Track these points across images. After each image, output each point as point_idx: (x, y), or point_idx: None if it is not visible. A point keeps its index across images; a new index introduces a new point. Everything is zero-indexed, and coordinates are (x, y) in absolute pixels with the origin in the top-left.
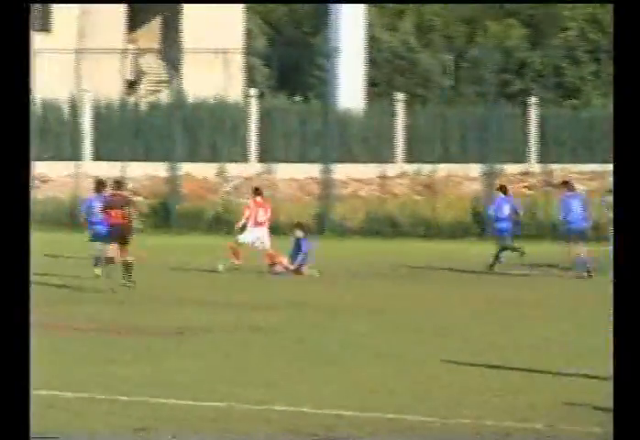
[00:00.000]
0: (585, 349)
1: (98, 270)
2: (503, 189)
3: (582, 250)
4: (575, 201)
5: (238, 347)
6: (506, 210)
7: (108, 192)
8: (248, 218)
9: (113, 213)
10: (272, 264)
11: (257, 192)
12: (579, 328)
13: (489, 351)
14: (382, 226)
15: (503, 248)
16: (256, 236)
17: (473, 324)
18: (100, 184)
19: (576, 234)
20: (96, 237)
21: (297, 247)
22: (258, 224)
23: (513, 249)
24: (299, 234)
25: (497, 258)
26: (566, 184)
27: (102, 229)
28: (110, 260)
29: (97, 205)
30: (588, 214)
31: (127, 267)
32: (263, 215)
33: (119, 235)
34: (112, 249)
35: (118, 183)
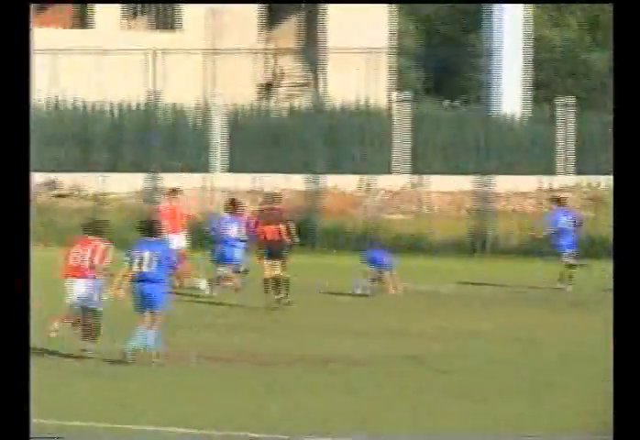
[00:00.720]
0: None
1: (215, 292)
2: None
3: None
4: None
5: (390, 379)
6: None
7: (264, 206)
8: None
9: (268, 229)
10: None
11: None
12: None
13: None
14: (545, 246)
15: None
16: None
17: None
18: (234, 204)
19: None
20: (220, 259)
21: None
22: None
23: None
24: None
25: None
26: None
27: (229, 251)
28: (224, 281)
29: (229, 226)
30: None
31: (285, 284)
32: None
33: (276, 252)
34: (267, 267)
35: (274, 196)
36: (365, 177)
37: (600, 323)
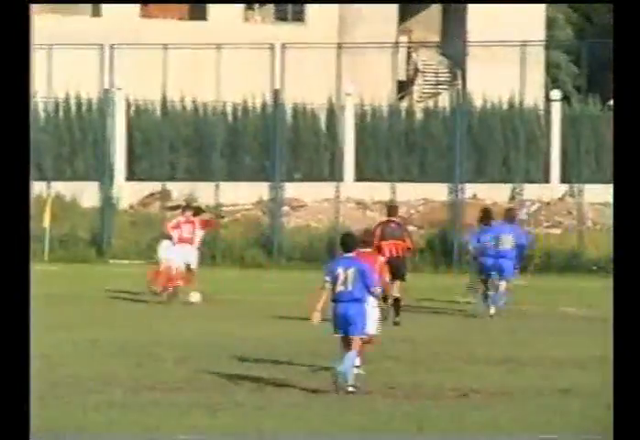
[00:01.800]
0: None
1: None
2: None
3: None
4: None
5: (540, 414)
6: None
7: (382, 219)
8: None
9: (386, 244)
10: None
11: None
12: None
13: None
14: None
15: None
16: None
17: None
18: (487, 213)
19: None
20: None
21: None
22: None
23: None
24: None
25: None
26: None
27: (488, 261)
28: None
29: (485, 238)
30: None
31: (397, 304)
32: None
33: (395, 269)
34: (392, 286)
35: (392, 208)
36: (514, 186)
37: None
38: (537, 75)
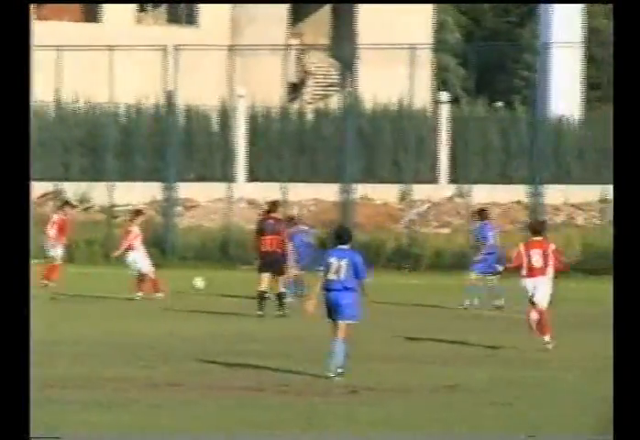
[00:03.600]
0: None
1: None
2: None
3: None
4: None
5: (427, 412)
6: None
7: (262, 215)
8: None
9: (267, 239)
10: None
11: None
12: None
13: None
14: (603, 262)
15: None
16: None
17: None
18: (483, 212)
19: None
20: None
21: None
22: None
23: None
24: None
25: None
26: None
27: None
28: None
29: (489, 234)
30: None
31: (281, 298)
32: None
33: (272, 264)
34: (262, 280)
35: (274, 205)
36: (404, 187)
37: None
38: (426, 77)
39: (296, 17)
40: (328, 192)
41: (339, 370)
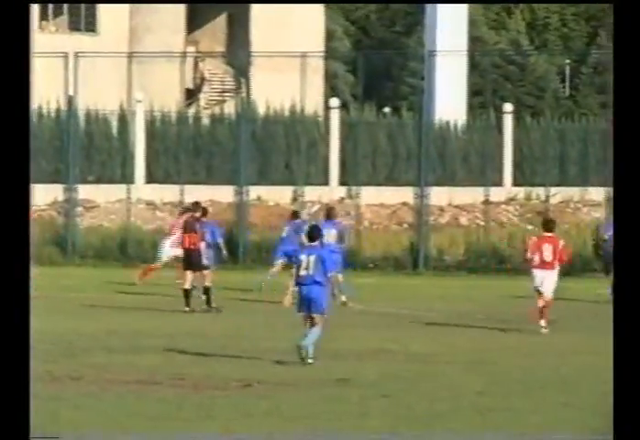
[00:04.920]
0: None
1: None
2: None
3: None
4: None
5: (322, 405)
6: None
7: (184, 214)
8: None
9: (187, 237)
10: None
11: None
12: None
13: None
14: (486, 261)
15: None
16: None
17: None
18: (331, 211)
19: None
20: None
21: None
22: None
23: None
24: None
25: None
26: None
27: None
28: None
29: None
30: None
31: (207, 293)
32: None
33: (192, 259)
34: (187, 278)
35: (195, 204)
36: (296, 188)
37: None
38: (317, 84)
39: (193, 26)
40: (224, 194)
41: (310, 360)
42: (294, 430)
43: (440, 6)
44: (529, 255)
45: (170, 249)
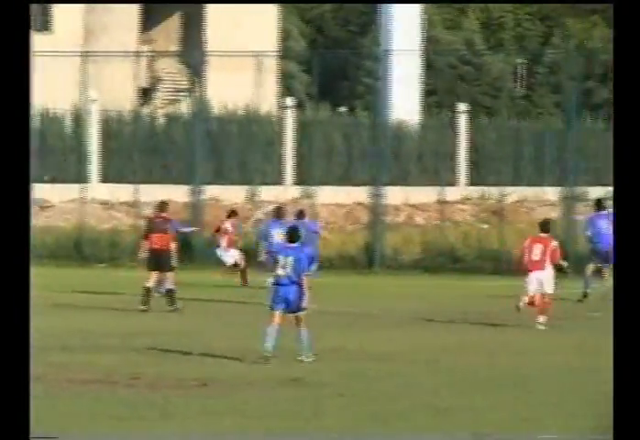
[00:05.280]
0: None
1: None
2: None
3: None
4: None
5: (278, 404)
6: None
7: (153, 214)
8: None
9: (155, 237)
10: None
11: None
12: None
13: None
14: (441, 260)
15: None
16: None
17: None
18: (279, 211)
19: None
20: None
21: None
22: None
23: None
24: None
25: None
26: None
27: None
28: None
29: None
30: None
31: (170, 294)
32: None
33: (158, 261)
34: (152, 277)
35: (161, 204)
36: (251, 188)
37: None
38: (272, 83)
39: (147, 25)
40: (179, 194)
41: (310, 359)
42: (250, 429)
43: (395, 6)
44: (524, 256)
45: (228, 251)
